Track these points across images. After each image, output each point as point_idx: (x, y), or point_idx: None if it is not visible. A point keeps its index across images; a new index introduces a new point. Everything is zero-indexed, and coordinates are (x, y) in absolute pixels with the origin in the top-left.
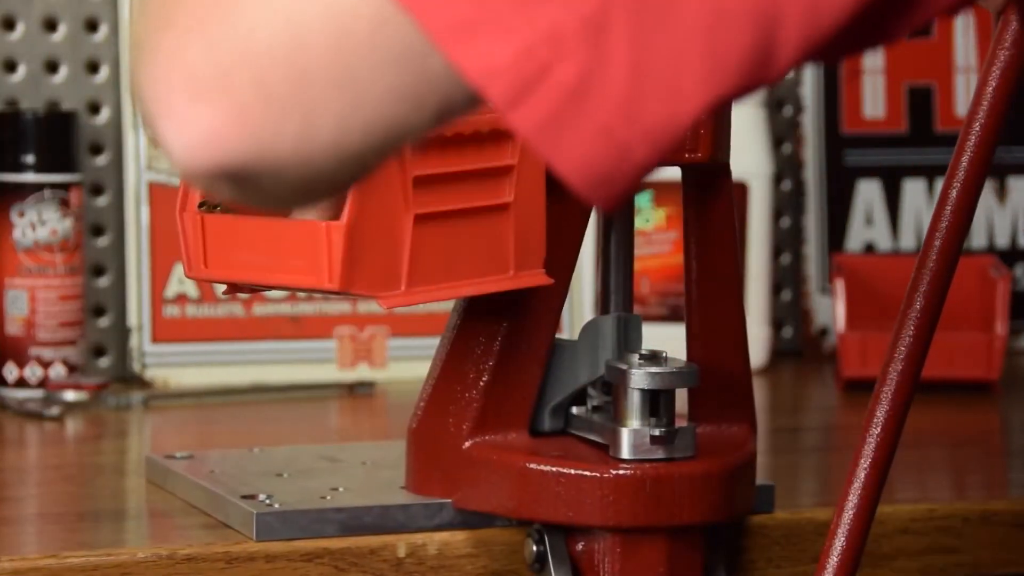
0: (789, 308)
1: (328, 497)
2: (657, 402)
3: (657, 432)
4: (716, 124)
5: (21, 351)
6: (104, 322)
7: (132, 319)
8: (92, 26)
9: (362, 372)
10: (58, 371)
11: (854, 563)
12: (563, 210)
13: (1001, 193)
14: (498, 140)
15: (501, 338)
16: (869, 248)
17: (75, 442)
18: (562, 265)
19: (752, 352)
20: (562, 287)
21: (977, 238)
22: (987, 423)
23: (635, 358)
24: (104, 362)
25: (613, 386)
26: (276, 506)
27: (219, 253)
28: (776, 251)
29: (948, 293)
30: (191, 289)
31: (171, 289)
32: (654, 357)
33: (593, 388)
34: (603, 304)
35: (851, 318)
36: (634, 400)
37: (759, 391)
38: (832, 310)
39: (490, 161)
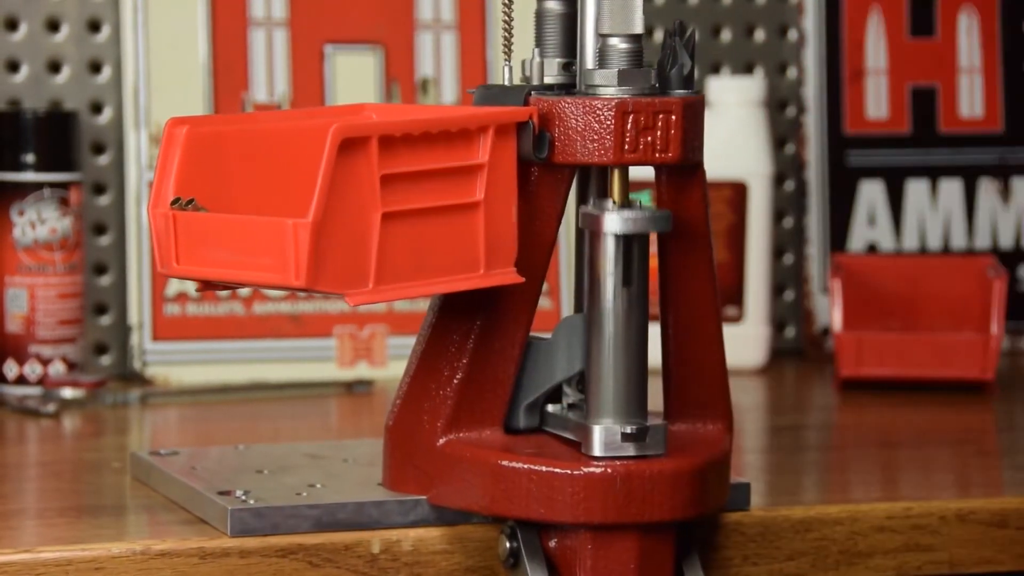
0: (791, 308)
1: (304, 493)
2: (631, 252)
3: (628, 429)
4: (688, 124)
5: (21, 348)
6: (106, 320)
7: (133, 317)
8: (95, 26)
9: (362, 370)
10: (57, 368)
11: None
12: (535, 209)
13: (1005, 194)
14: (468, 139)
15: (475, 336)
16: (872, 249)
17: (68, 439)
18: (534, 264)
19: (752, 352)
20: (535, 285)
21: (981, 238)
22: (980, 423)
23: (609, 203)
24: (106, 360)
25: (588, 239)
26: (251, 502)
27: (190, 250)
28: (779, 251)
29: (946, 294)
30: (191, 288)
31: (172, 287)
32: (628, 204)
33: (568, 386)
34: (577, 302)
35: (849, 318)
36: (608, 248)
37: (758, 390)
38: (829, 310)
39: (460, 160)
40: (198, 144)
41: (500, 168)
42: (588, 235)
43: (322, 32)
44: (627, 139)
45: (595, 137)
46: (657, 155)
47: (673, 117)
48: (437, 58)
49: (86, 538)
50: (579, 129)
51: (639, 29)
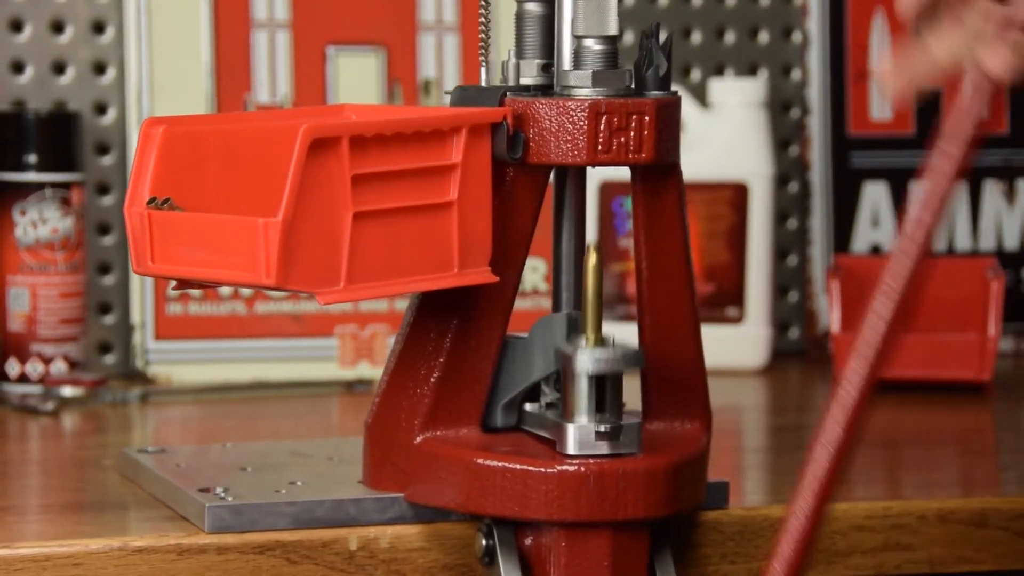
0: (795, 309)
1: (283, 491)
2: (603, 389)
3: (602, 428)
4: (660, 125)
5: (23, 347)
6: (109, 319)
7: (135, 316)
8: (99, 28)
9: (363, 370)
10: (59, 367)
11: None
12: (510, 209)
13: (1010, 195)
14: (441, 139)
15: (451, 335)
16: (876, 250)
17: (64, 437)
18: (510, 263)
19: (753, 353)
20: (511, 285)
21: (986, 240)
22: (976, 424)
23: (582, 340)
24: (109, 359)
25: (561, 374)
26: (230, 499)
27: (165, 249)
28: (782, 253)
29: (948, 295)
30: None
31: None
32: (601, 341)
33: (546, 384)
34: (555, 302)
35: (850, 319)
36: (582, 387)
37: (758, 391)
38: (828, 311)
39: (433, 160)
40: (174, 144)
41: (474, 168)
42: (562, 371)
43: (324, 33)
44: (600, 140)
45: (568, 138)
46: (630, 156)
47: (646, 118)
48: (439, 59)
49: (67, 534)
50: (553, 130)
51: (614, 31)
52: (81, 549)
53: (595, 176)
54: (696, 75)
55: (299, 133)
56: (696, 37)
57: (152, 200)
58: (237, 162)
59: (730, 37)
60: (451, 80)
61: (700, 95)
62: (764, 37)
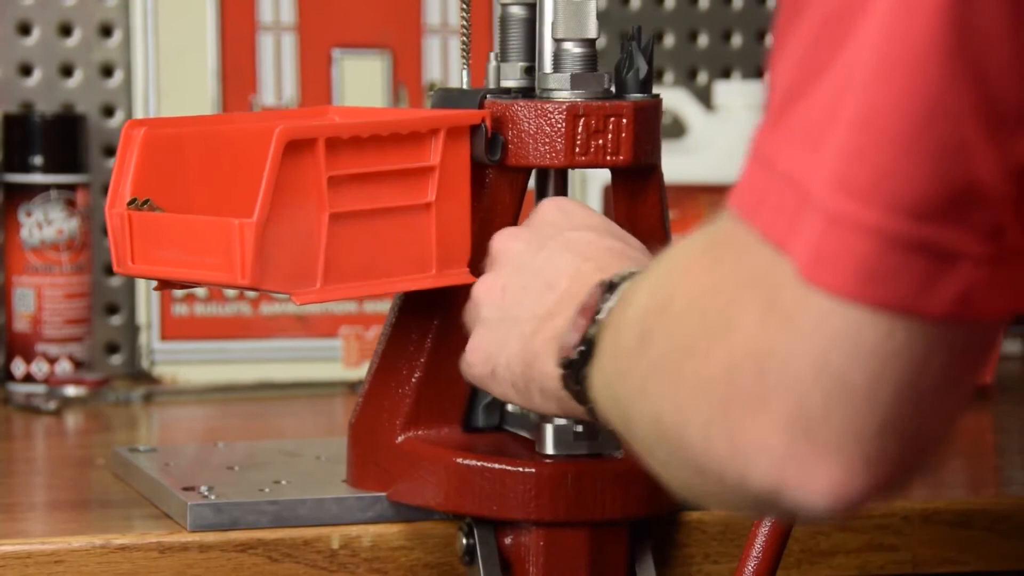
0: None
1: (267, 490)
2: None
3: (580, 428)
4: (639, 127)
5: (28, 347)
6: (116, 320)
7: (141, 317)
8: (106, 31)
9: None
10: (64, 367)
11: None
12: (490, 210)
13: None
14: (419, 141)
15: (433, 335)
16: None
17: (66, 436)
18: None
19: None
20: None
21: None
22: (974, 425)
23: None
24: (116, 359)
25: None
26: (213, 498)
27: (145, 250)
28: None
29: None
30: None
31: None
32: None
33: None
34: None
35: None
36: None
37: None
38: None
39: (410, 162)
40: (156, 145)
41: (452, 170)
42: None
43: (330, 36)
44: (578, 142)
45: (547, 140)
46: (608, 158)
47: (624, 120)
48: (444, 62)
49: (52, 532)
50: (531, 132)
51: (592, 34)
52: (63, 547)
53: (598, 179)
54: (702, 78)
55: (274, 135)
56: (703, 40)
57: (132, 201)
58: (217, 163)
59: (737, 40)
60: (456, 83)
61: (706, 98)
62: (771, 40)
